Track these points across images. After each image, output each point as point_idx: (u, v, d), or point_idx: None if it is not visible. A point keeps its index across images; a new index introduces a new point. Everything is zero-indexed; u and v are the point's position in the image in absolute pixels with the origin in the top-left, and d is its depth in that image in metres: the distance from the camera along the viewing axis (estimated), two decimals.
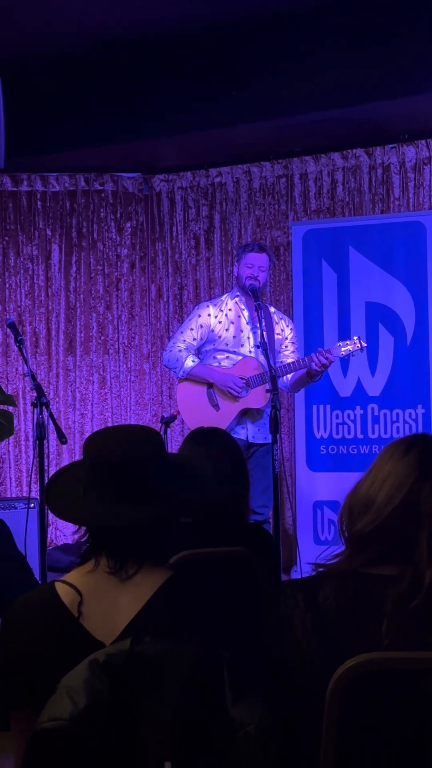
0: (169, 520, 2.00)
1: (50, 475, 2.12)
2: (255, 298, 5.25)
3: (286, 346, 5.54)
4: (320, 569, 1.86)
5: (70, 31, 5.99)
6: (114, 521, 1.91)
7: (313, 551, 6.27)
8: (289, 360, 5.43)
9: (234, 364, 5.44)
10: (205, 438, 3.33)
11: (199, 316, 5.54)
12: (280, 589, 1.86)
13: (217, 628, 1.90)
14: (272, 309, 5.66)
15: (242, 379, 5.35)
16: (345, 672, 1.65)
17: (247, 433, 5.42)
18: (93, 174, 7.63)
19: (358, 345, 5.34)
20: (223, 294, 5.87)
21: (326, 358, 5.18)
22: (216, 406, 5.41)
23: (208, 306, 5.59)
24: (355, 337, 5.41)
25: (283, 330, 5.54)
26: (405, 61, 5.84)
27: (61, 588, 1.92)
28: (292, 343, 5.58)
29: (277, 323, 5.51)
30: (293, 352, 5.55)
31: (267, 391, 5.12)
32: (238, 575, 2.79)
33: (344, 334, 6.50)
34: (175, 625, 1.86)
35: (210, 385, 5.44)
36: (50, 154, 7.15)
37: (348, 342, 5.36)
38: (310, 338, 6.61)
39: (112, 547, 1.93)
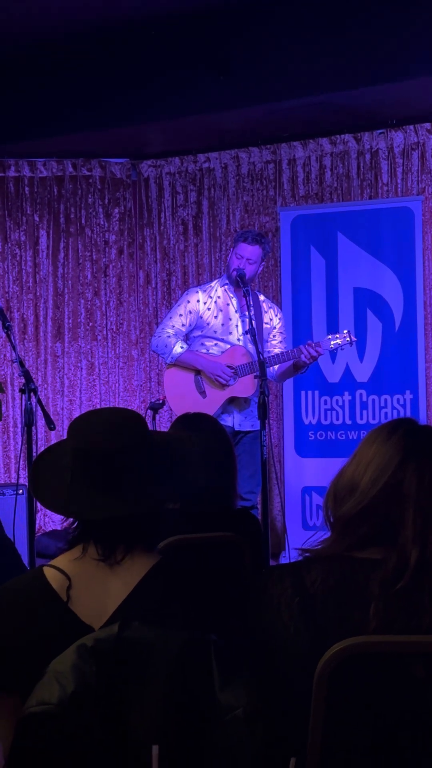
0: (156, 509, 2.00)
1: (35, 462, 2.09)
2: (243, 284, 5.23)
3: (274, 336, 5.53)
4: (307, 554, 1.86)
5: (58, 17, 5.96)
6: (100, 514, 1.90)
7: (301, 536, 6.29)
8: (276, 350, 5.42)
9: (222, 352, 5.43)
10: (191, 423, 3.33)
11: (188, 302, 5.52)
12: (267, 573, 1.86)
13: (205, 613, 1.91)
14: (261, 297, 5.64)
15: (230, 368, 5.34)
16: (332, 656, 1.66)
17: (233, 421, 5.42)
18: (81, 159, 7.61)
19: (348, 339, 5.33)
20: (211, 280, 5.85)
21: (315, 351, 5.18)
22: (203, 393, 5.41)
23: (197, 291, 5.56)
24: (345, 331, 5.40)
25: (271, 319, 5.53)
26: (393, 46, 5.83)
27: (49, 572, 1.92)
28: (280, 333, 5.57)
29: (266, 312, 5.50)
30: (281, 342, 5.54)
31: (255, 377, 5.12)
32: (226, 560, 2.80)
33: (332, 320, 6.51)
34: (163, 610, 1.87)
35: (198, 372, 5.43)
36: (38, 140, 7.12)
37: (338, 335, 5.35)
38: (299, 324, 6.62)
39: (100, 536, 1.92)
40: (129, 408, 2.14)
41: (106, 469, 1.90)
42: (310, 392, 6.68)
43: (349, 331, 5.41)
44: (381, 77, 5.98)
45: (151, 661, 1.58)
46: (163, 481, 1.97)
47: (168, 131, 7.12)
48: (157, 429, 6.45)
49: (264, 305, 5.53)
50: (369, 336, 6.54)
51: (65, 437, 2.03)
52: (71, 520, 1.97)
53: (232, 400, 5.41)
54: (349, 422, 6.60)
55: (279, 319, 5.59)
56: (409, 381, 6.47)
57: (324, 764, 1.68)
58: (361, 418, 6.56)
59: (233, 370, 5.34)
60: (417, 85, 6.05)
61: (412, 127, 6.79)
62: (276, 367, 5.40)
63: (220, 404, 5.37)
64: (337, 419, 6.63)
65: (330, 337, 5.36)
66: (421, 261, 6.55)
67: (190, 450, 2.08)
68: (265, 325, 5.46)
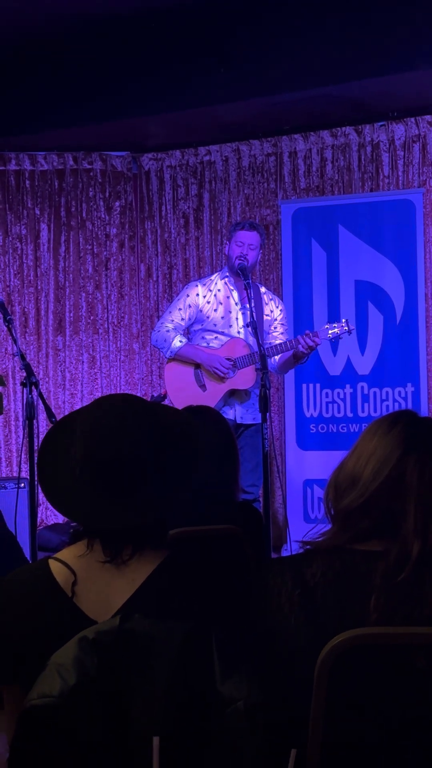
0: (162, 515, 1.97)
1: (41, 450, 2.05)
2: (244, 277, 5.23)
3: (275, 327, 5.53)
4: (308, 547, 1.86)
5: (57, 10, 5.95)
6: (110, 524, 1.88)
7: (303, 529, 6.30)
8: (278, 342, 5.42)
9: (222, 345, 5.43)
10: (194, 416, 3.33)
11: (188, 295, 5.52)
12: (268, 566, 1.86)
13: (207, 606, 1.91)
14: (263, 289, 5.64)
15: (229, 360, 5.34)
16: (333, 648, 1.66)
17: (234, 413, 5.42)
18: (81, 153, 7.60)
19: (346, 328, 5.33)
20: (212, 273, 5.85)
21: (313, 341, 5.17)
22: (203, 387, 5.41)
23: (197, 285, 5.57)
24: (344, 320, 5.39)
25: (272, 311, 5.52)
26: (394, 38, 5.82)
27: (54, 566, 1.90)
28: (282, 324, 5.57)
29: (266, 304, 5.50)
30: (282, 333, 5.53)
31: (257, 370, 5.11)
32: (228, 553, 2.80)
33: (334, 313, 6.50)
34: (167, 606, 1.86)
35: (197, 366, 5.43)
36: (38, 133, 7.12)
37: (336, 325, 5.35)
38: (300, 317, 6.62)
39: (106, 539, 1.91)
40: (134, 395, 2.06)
41: (115, 476, 1.87)
42: (311, 385, 6.68)
43: (347, 320, 5.40)
44: (382, 69, 5.97)
45: (152, 653, 1.58)
46: (173, 486, 1.94)
47: (169, 124, 7.11)
48: None
49: (265, 297, 5.53)
50: (370, 329, 6.54)
51: (67, 424, 1.99)
52: None
53: (233, 393, 5.41)
54: (350, 415, 6.60)
55: (280, 310, 5.59)
56: (411, 374, 6.47)
57: (325, 756, 1.68)
58: (363, 411, 6.56)
59: (232, 363, 5.34)
60: (418, 77, 6.04)
61: (413, 119, 6.78)
62: (277, 358, 5.40)
63: (220, 397, 5.37)
64: (339, 412, 6.63)
65: (327, 326, 5.35)
66: (422, 253, 6.54)
67: (197, 439, 2.05)
68: (265, 317, 5.46)
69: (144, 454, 1.89)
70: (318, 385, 6.67)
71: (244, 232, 5.41)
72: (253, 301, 5.15)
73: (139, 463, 1.88)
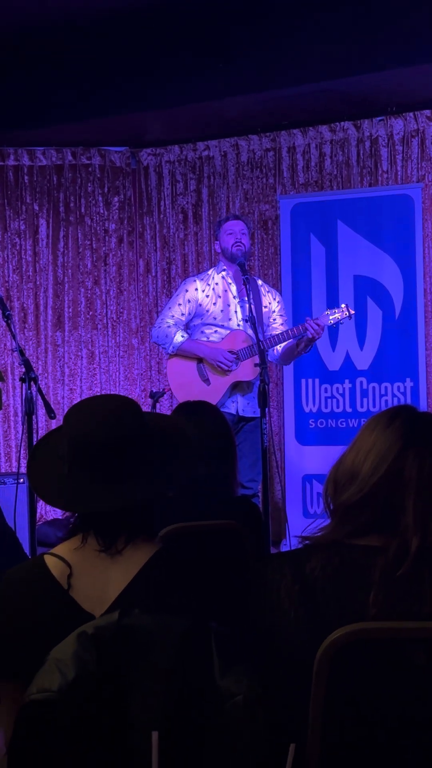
0: (155, 499, 1.99)
1: (31, 453, 2.08)
2: (243, 271, 5.23)
3: (274, 319, 5.53)
4: (307, 542, 1.87)
5: (56, 5, 5.94)
6: (96, 507, 1.90)
7: (302, 524, 6.29)
8: (278, 332, 5.42)
9: (222, 338, 5.43)
10: (192, 411, 3.33)
11: (186, 291, 5.53)
12: (267, 561, 1.87)
13: (205, 601, 1.91)
14: (260, 282, 5.64)
15: (232, 352, 5.34)
16: (332, 642, 1.66)
17: (237, 406, 5.42)
18: (80, 148, 7.59)
19: (346, 313, 5.33)
20: (210, 269, 5.85)
21: (318, 325, 5.17)
22: (207, 381, 5.41)
23: (195, 281, 5.57)
24: (343, 305, 5.39)
25: (270, 303, 5.53)
26: (392, 33, 5.82)
27: (50, 560, 1.92)
28: (280, 315, 5.57)
29: (264, 296, 5.50)
30: (282, 324, 5.54)
31: (255, 365, 5.12)
32: (226, 548, 2.80)
33: (333, 308, 6.49)
34: (163, 598, 1.87)
35: (200, 360, 5.43)
36: (37, 128, 7.11)
37: (336, 310, 5.35)
38: (299, 312, 6.61)
39: (100, 527, 1.92)
40: (127, 396, 2.09)
41: (103, 460, 1.90)
42: (310, 380, 6.68)
43: (347, 305, 5.40)
44: (381, 64, 5.97)
45: (151, 648, 1.59)
46: (161, 471, 1.96)
47: (167, 119, 7.10)
48: None
49: (262, 289, 5.53)
50: (369, 324, 6.53)
51: (61, 425, 2.02)
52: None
53: (236, 385, 5.42)
54: (349, 410, 6.60)
55: (278, 302, 5.60)
56: (410, 369, 6.47)
57: (324, 751, 1.68)
58: (362, 406, 6.56)
59: (235, 355, 5.34)
60: (417, 71, 6.03)
61: (411, 114, 6.78)
62: (279, 348, 5.40)
63: (224, 390, 5.37)
64: (338, 407, 6.63)
65: (328, 312, 5.35)
66: (421, 248, 6.54)
67: (188, 436, 2.07)
68: (263, 309, 5.46)
69: (130, 438, 1.92)
70: (317, 380, 6.67)
71: (231, 222, 5.48)
72: (251, 294, 5.15)
73: (126, 446, 1.91)
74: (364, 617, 1.71)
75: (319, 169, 7.11)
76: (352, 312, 5.39)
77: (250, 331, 5.29)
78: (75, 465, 1.92)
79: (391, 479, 1.80)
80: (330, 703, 1.68)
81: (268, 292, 5.58)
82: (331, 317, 5.31)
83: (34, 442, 4.83)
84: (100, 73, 6.54)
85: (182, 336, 5.45)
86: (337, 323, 5.34)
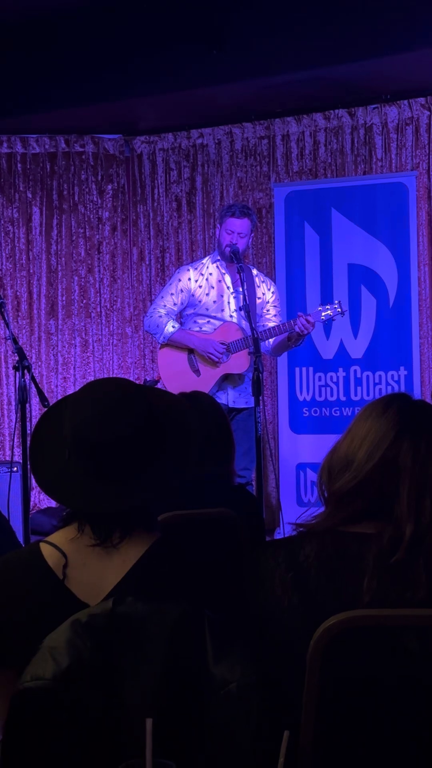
0: (153, 500, 1.96)
1: (33, 436, 2.04)
2: (237, 260, 5.22)
3: (268, 310, 5.52)
4: (301, 529, 1.87)
5: None
6: (99, 508, 1.87)
7: (296, 513, 6.28)
8: (270, 324, 5.42)
9: (215, 329, 5.43)
10: (189, 401, 3.33)
11: (179, 280, 5.51)
12: (261, 549, 1.87)
13: (201, 589, 1.91)
14: (255, 271, 5.62)
15: (223, 344, 5.33)
16: (326, 630, 1.66)
17: (227, 398, 5.42)
18: (73, 135, 7.57)
19: (339, 310, 5.34)
20: (204, 257, 5.84)
21: (308, 322, 5.17)
22: (197, 372, 5.40)
23: (188, 270, 5.55)
24: (336, 302, 5.40)
25: (264, 294, 5.51)
26: (387, 20, 5.80)
27: (45, 549, 1.90)
28: (274, 306, 5.56)
29: (258, 286, 5.49)
30: (275, 315, 5.52)
31: (249, 353, 5.11)
32: (222, 536, 2.81)
33: (327, 296, 6.49)
34: (159, 586, 1.86)
35: (191, 351, 5.43)
36: (30, 115, 7.08)
37: (328, 306, 5.35)
38: (293, 300, 6.61)
39: (95, 523, 1.90)
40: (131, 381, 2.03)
41: (104, 460, 1.86)
42: (304, 369, 6.68)
43: (339, 302, 5.40)
44: (375, 51, 5.95)
45: (145, 636, 1.58)
46: (163, 470, 1.92)
47: (161, 106, 7.08)
48: None
49: (257, 279, 5.51)
50: (363, 312, 6.53)
51: (60, 408, 1.97)
52: None
53: (226, 377, 5.41)
54: (343, 399, 6.60)
55: (272, 293, 5.58)
56: (403, 357, 6.47)
57: (318, 738, 1.69)
58: (356, 395, 6.56)
59: (226, 347, 5.33)
60: (411, 59, 6.01)
61: (406, 102, 6.76)
62: (271, 340, 5.40)
63: (214, 382, 5.37)
64: (332, 396, 6.63)
65: (320, 308, 5.36)
66: (415, 237, 6.53)
67: (192, 428, 2.03)
68: (257, 300, 5.45)
69: (134, 437, 1.87)
70: (311, 369, 6.67)
71: (234, 220, 5.36)
72: (245, 284, 5.14)
73: (130, 446, 1.87)
74: (357, 604, 1.72)
75: (314, 157, 7.09)
76: (345, 309, 5.41)
77: (243, 322, 5.28)
78: (75, 456, 1.89)
79: (385, 467, 1.81)
80: (324, 690, 1.68)
81: (262, 282, 5.56)
82: (323, 314, 5.31)
83: (28, 431, 4.82)
84: (93, 59, 6.51)
85: (173, 326, 5.44)
86: (329, 319, 5.35)
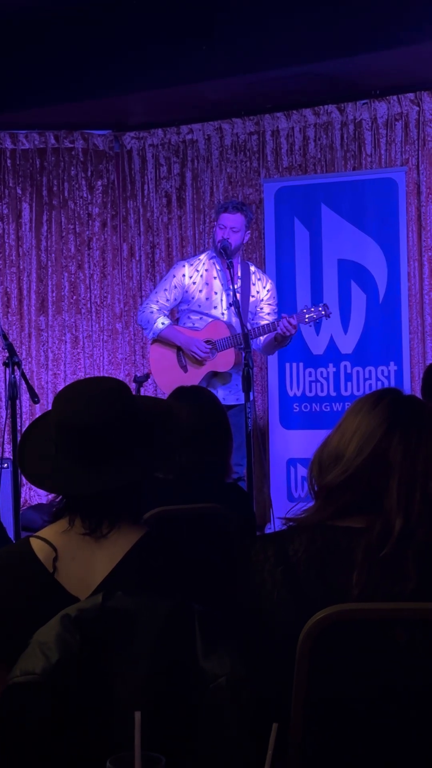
0: (139, 482, 1.99)
1: (23, 435, 2.09)
2: (227, 256, 5.23)
3: (261, 308, 5.53)
4: (290, 523, 1.87)
5: None
6: (84, 489, 1.90)
7: (286, 508, 6.27)
8: (264, 322, 5.43)
9: (204, 326, 5.44)
10: (187, 396, 3.35)
11: (174, 276, 5.53)
12: (250, 543, 1.87)
13: (191, 584, 1.92)
14: (252, 268, 5.63)
15: (209, 343, 5.34)
16: (316, 623, 1.67)
17: (217, 395, 5.42)
18: (63, 131, 7.55)
19: (324, 313, 5.35)
20: (195, 252, 5.84)
21: (290, 324, 5.18)
22: (184, 368, 5.42)
23: (184, 266, 5.57)
24: (322, 305, 5.41)
25: (258, 291, 5.52)
26: (376, 16, 5.80)
27: (35, 543, 1.92)
28: (268, 304, 5.56)
29: (254, 284, 5.50)
30: (269, 314, 5.53)
31: (240, 349, 5.12)
32: (212, 531, 2.81)
33: (317, 292, 6.50)
34: (148, 580, 1.87)
35: (179, 348, 5.45)
36: (19, 111, 7.06)
37: (313, 309, 5.36)
38: (283, 296, 6.60)
39: (86, 510, 1.92)
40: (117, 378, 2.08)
41: (89, 443, 1.89)
42: (294, 364, 6.68)
43: (325, 305, 5.41)
44: (364, 47, 5.95)
45: (135, 630, 1.59)
46: (147, 455, 1.96)
47: (150, 102, 7.07)
48: None
49: (253, 277, 5.52)
50: (353, 308, 6.53)
51: (51, 409, 2.02)
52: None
53: (214, 375, 5.42)
54: (333, 394, 6.60)
55: (267, 290, 5.58)
56: (393, 352, 6.48)
57: (307, 731, 1.69)
58: (346, 390, 6.57)
59: (211, 345, 5.34)
60: (400, 54, 6.02)
61: (395, 97, 6.76)
62: (262, 338, 5.41)
63: (200, 379, 5.37)
64: (322, 391, 6.63)
65: (305, 310, 5.37)
66: (405, 232, 6.53)
67: (176, 418, 2.07)
68: (251, 298, 5.45)
69: (118, 422, 1.92)
70: (301, 364, 6.67)
71: (227, 215, 5.39)
72: (240, 281, 5.15)
73: (110, 429, 1.91)
74: (346, 598, 1.72)
75: (303, 152, 7.09)
76: (330, 312, 5.42)
77: (234, 319, 5.28)
78: (61, 447, 1.92)
79: (375, 461, 1.81)
80: (313, 683, 1.69)
81: (258, 279, 5.56)
82: (306, 316, 5.32)
83: (18, 427, 4.83)
84: (83, 55, 6.50)
85: (163, 323, 5.45)
86: (312, 322, 5.36)
